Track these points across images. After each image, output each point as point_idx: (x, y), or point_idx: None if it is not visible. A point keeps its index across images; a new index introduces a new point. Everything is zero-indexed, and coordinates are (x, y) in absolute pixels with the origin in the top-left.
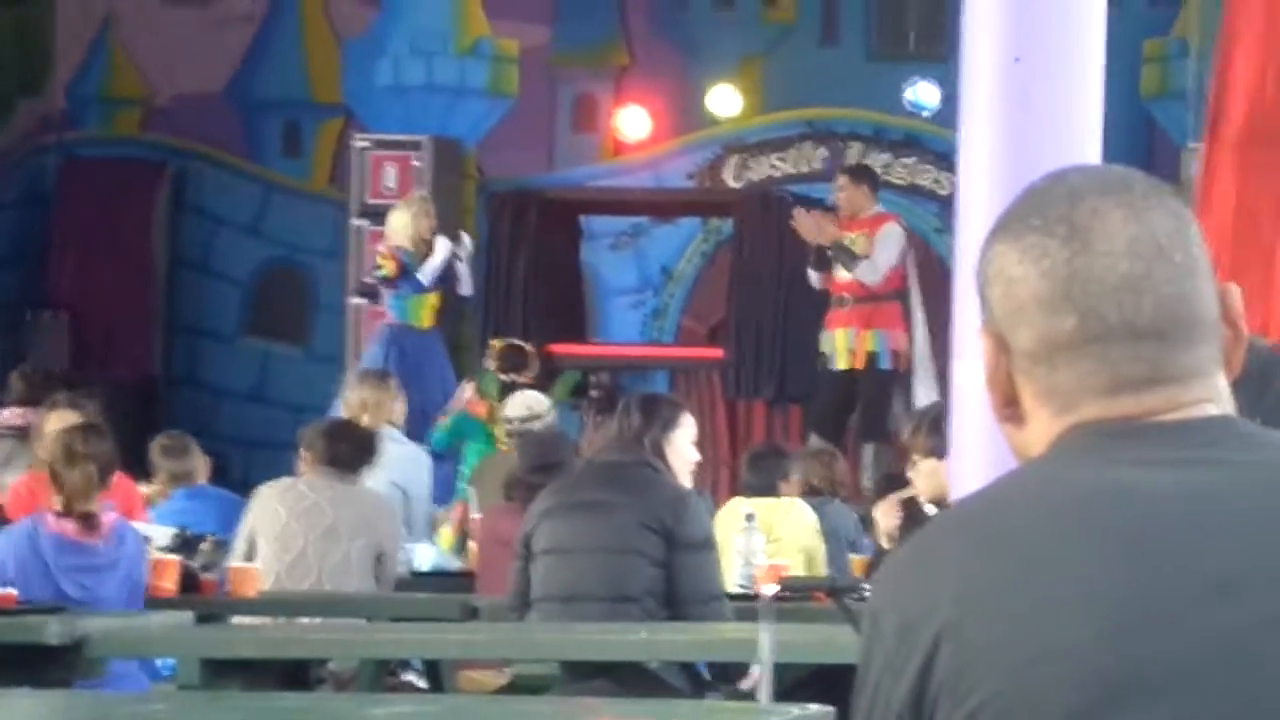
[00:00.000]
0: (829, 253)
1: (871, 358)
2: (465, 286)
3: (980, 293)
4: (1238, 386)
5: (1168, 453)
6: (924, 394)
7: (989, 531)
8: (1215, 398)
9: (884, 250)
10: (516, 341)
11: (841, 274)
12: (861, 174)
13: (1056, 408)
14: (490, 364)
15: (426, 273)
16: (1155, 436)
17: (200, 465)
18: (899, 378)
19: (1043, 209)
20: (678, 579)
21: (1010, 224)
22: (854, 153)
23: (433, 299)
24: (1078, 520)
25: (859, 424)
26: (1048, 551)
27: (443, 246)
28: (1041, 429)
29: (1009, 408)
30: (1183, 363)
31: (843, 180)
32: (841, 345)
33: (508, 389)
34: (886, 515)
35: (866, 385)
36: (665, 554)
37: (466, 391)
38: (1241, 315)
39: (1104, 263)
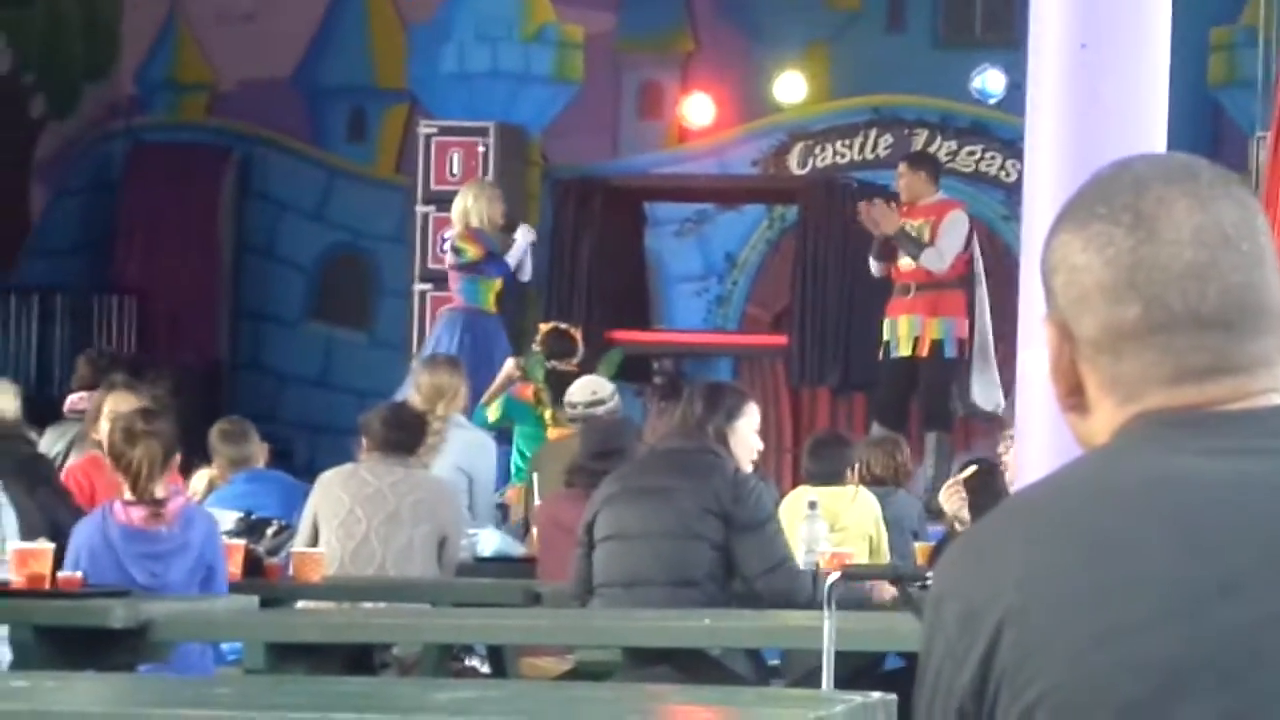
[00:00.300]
0: (893, 240)
1: (936, 345)
2: (526, 273)
3: (1045, 281)
4: None
5: (1232, 442)
6: (980, 382)
7: (1051, 518)
8: None
9: (949, 237)
10: (564, 326)
11: (906, 262)
12: (920, 161)
13: (1121, 397)
14: (537, 348)
15: (514, 255)
16: (1220, 425)
17: (258, 450)
18: (963, 365)
19: (1108, 197)
20: (742, 557)
21: (1075, 212)
22: (920, 140)
23: (498, 284)
24: (1139, 507)
25: (922, 412)
26: (1109, 537)
27: (524, 232)
28: (1106, 418)
29: (1073, 397)
30: (1249, 352)
31: (902, 168)
32: (905, 332)
33: (553, 375)
34: (950, 499)
35: (930, 373)
36: (725, 536)
37: (509, 368)
38: None
39: (1169, 251)
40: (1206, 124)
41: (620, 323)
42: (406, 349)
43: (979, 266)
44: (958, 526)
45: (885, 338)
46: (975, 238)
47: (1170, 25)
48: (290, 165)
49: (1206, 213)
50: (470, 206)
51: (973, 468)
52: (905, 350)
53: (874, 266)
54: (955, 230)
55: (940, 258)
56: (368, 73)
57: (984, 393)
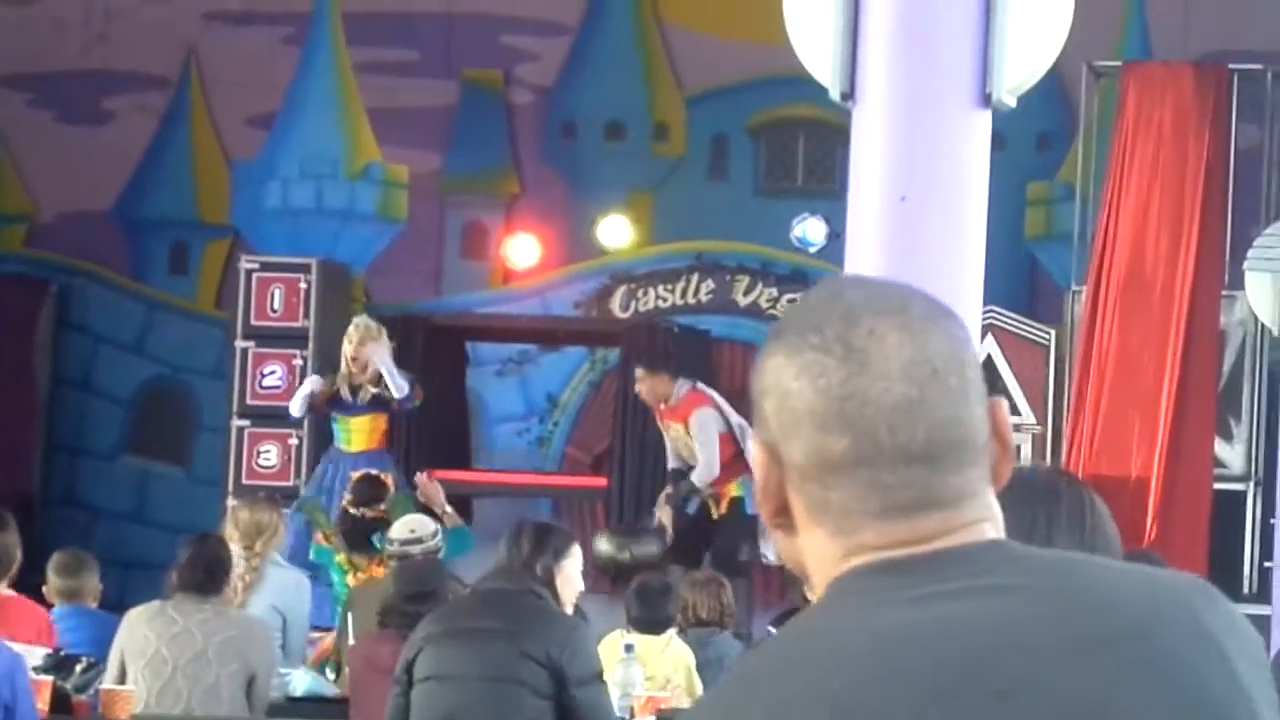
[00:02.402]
0: (670, 497)
1: (735, 503)
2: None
3: (756, 401)
4: (1011, 505)
5: (946, 585)
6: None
7: (790, 687)
8: (988, 516)
9: (705, 448)
10: (374, 472)
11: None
12: (654, 365)
13: (832, 528)
14: (347, 494)
15: (391, 383)
16: (932, 568)
17: (92, 586)
18: (758, 520)
19: (821, 325)
20: (574, 715)
21: (788, 336)
22: (741, 285)
23: (362, 420)
24: (871, 670)
25: (714, 558)
26: (847, 706)
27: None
28: (816, 545)
29: (780, 517)
30: (953, 486)
31: (640, 374)
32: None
33: (358, 522)
34: None
35: (726, 524)
36: (554, 689)
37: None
38: (1009, 429)
39: (880, 385)
40: (1023, 277)
41: (440, 462)
42: (223, 484)
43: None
44: None
45: (693, 486)
46: (726, 409)
47: (988, 180)
48: (109, 298)
49: (916, 346)
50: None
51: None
52: (710, 506)
53: (692, 504)
54: (705, 434)
55: (710, 470)
56: (190, 207)
57: (772, 547)
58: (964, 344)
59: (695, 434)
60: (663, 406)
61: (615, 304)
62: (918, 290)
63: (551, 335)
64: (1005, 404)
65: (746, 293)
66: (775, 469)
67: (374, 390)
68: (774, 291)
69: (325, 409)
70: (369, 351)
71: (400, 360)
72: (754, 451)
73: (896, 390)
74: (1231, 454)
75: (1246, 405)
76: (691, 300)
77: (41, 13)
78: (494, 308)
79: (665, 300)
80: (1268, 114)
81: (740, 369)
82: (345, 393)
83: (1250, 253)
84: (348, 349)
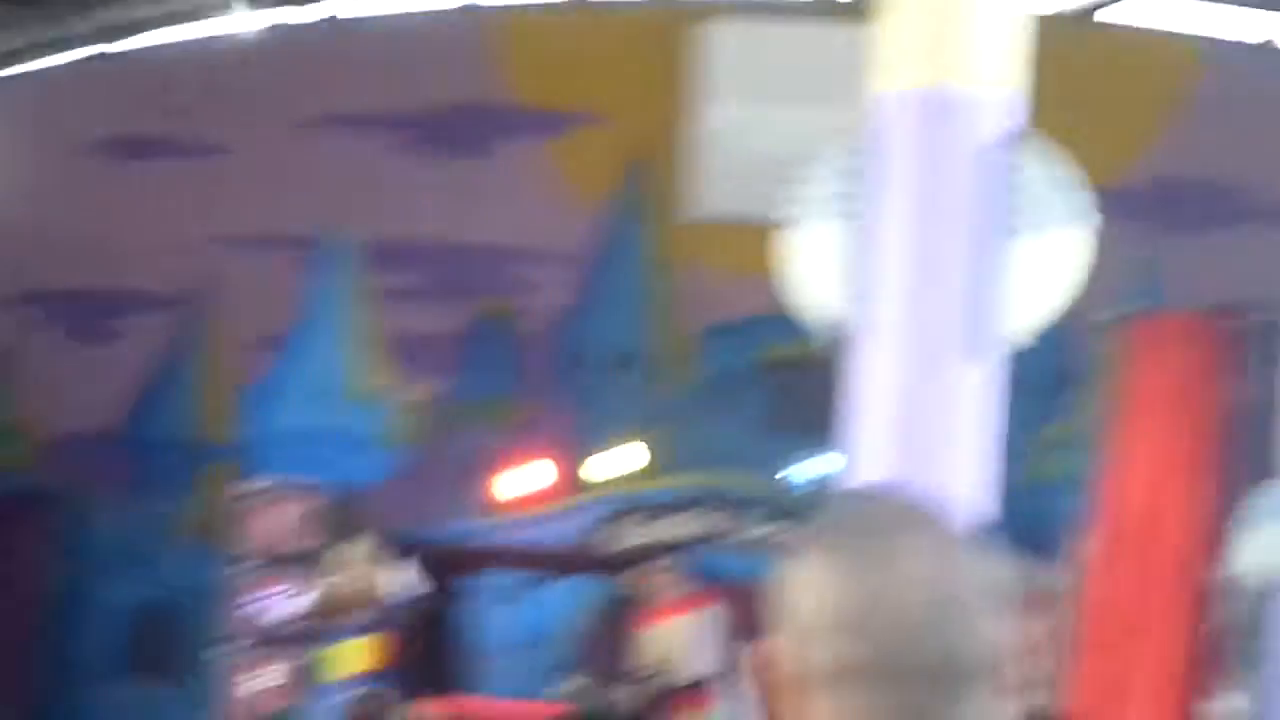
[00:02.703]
0: None
1: None
2: None
3: (786, 596)
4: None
5: None
6: None
7: None
8: None
9: None
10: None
11: None
12: None
13: None
14: None
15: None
16: None
17: None
18: None
19: (855, 535)
20: None
21: (825, 540)
22: (749, 519)
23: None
24: None
25: None
26: None
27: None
28: None
29: (792, 711)
30: (958, 712)
31: None
32: None
33: None
34: None
35: None
36: None
37: None
38: (1023, 661)
39: (901, 599)
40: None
41: (439, 690)
42: (222, 706)
43: None
44: None
45: None
46: None
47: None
48: (111, 517)
49: (938, 568)
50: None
51: None
52: None
53: None
54: None
55: None
56: (197, 427)
57: None
58: (990, 580)
59: None
60: None
61: (622, 535)
62: (957, 523)
63: (555, 564)
64: (1022, 632)
65: (755, 527)
66: (795, 667)
67: (371, 612)
68: (782, 527)
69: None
70: (368, 574)
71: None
72: (775, 648)
73: (916, 608)
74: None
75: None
76: (698, 533)
77: (53, 225)
78: (497, 535)
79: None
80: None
81: (746, 604)
82: (341, 615)
83: (1253, 504)
84: (349, 571)
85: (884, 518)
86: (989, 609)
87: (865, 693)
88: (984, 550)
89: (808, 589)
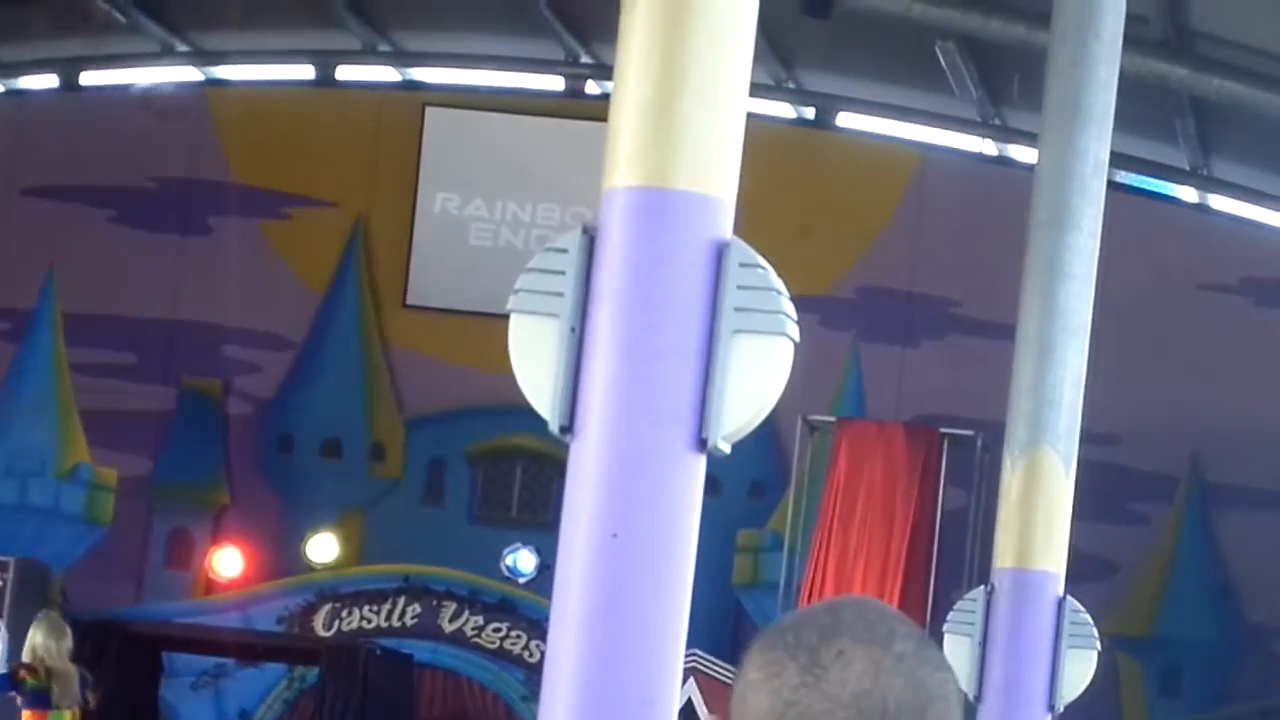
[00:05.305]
0: None
1: None
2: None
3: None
4: None
5: None
6: None
7: None
8: None
9: None
10: None
11: None
12: None
13: None
14: None
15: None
16: None
17: None
18: None
19: (801, 629)
20: None
21: (776, 630)
22: (448, 611)
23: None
24: None
25: None
26: None
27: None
28: None
29: None
30: None
31: None
32: None
33: None
34: None
35: None
36: None
37: None
38: None
39: (823, 706)
40: (729, 622)
41: None
42: None
43: None
44: None
45: None
46: None
47: (699, 524)
48: None
49: (877, 683)
50: (36, 638)
51: None
52: None
53: None
54: None
55: None
56: None
57: None
58: (934, 700)
59: None
60: None
61: (319, 622)
62: (917, 634)
63: (250, 650)
64: None
65: (453, 619)
66: None
67: (61, 688)
68: (480, 619)
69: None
70: (56, 648)
71: (93, 666)
72: None
73: (838, 716)
74: None
75: None
76: (397, 623)
77: None
78: (196, 618)
79: (370, 621)
80: (975, 479)
81: (442, 696)
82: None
83: (950, 615)
84: (37, 646)
85: (833, 624)
86: None
87: None
88: (941, 665)
89: (740, 685)
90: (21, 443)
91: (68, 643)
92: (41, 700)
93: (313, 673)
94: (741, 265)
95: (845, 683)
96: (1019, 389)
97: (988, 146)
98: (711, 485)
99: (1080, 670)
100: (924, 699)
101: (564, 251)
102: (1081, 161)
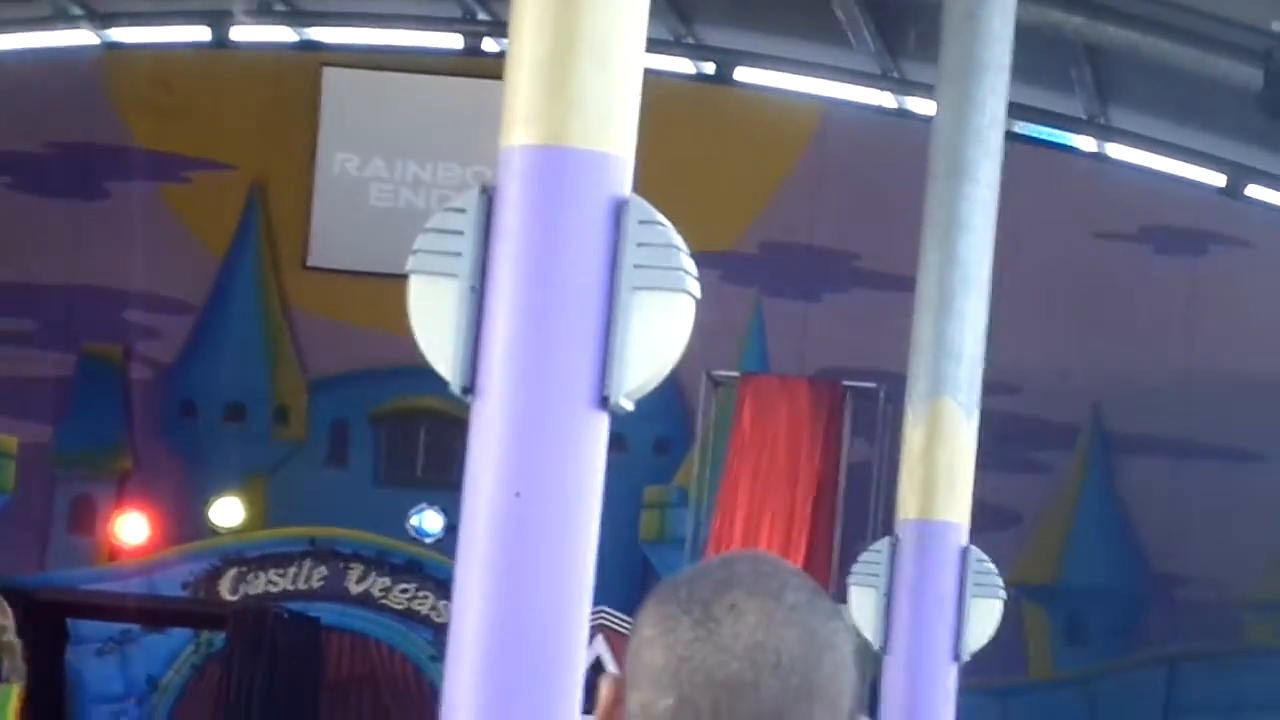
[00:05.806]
0: None
1: None
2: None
3: (629, 637)
4: None
5: None
6: None
7: None
8: None
9: None
10: None
11: None
12: None
13: None
14: None
15: None
16: None
17: None
18: None
19: (694, 584)
20: None
21: (669, 587)
22: (355, 573)
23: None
24: None
25: None
26: None
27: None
28: None
29: None
30: None
31: None
32: None
33: None
34: None
35: None
36: None
37: None
38: None
39: (718, 658)
40: (636, 578)
41: None
42: None
43: None
44: None
45: None
46: None
47: (605, 481)
48: None
49: (769, 634)
50: None
51: None
52: None
53: None
54: None
55: None
56: None
57: None
58: (826, 649)
59: None
60: None
61: (224, 586)
62: (810, 585)
63: (156, 615)
64: None
65: (360, 581)
66: (618, 710)
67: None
68: (387, 581)
69: None
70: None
71: None
72: (603, 689)
73: (732, 667)
74: None
75: None
76: (303, 586)
77: None
78: (99, 584)
79: (276, 585)
80: (878, 431)
81: (349, 657)
82: None
83: (855, 567)
84: None
85: (726, 578)
86: (825, 678)
87: None
88: (833, 615)
89: (634, 641)
90: None
91: (8, 616)
92: None
93: (219, 637)
94: (641, 222)
95: (738, 635)
96: (920, 341)
97: (887, 100)
98: (617, 442)
99: (986, 620)
100: (816, 648)
101: (462, 211)
102: (978, 113)
